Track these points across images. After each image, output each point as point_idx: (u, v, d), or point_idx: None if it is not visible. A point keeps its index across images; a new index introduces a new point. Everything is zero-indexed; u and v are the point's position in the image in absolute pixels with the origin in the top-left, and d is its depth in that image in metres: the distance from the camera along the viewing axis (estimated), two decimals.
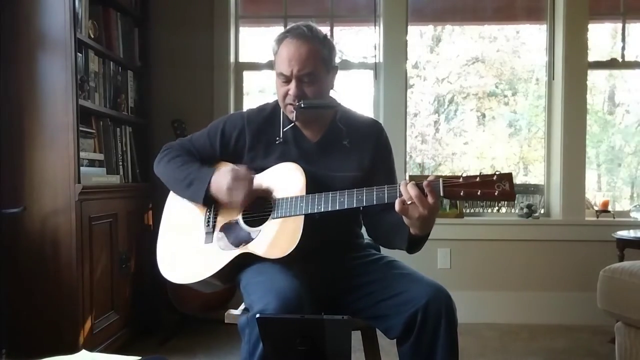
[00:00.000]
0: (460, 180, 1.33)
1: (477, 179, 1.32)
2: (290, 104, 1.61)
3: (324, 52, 1.63)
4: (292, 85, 1.58)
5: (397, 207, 1.34)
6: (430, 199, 1.31)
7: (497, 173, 1.32)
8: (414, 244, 1.47)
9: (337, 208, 1.46)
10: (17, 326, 2.24)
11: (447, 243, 3.35)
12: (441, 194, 1.33)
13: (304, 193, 1.52)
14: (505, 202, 3.55)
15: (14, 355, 2.16)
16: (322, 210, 1.47)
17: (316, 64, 1.60)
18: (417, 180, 1.35)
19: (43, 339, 2.26)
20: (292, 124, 1.68)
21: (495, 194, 1.30)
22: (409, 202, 1.33)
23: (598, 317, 2.56)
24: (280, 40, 1.62)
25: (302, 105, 1.58)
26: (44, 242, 2.27)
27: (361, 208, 1.69)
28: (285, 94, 1.61)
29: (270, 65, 3.48)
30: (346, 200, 1.45)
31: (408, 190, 1.32)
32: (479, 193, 1.31)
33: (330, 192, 1.47)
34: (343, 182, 1.56)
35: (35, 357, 1.62)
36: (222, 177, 1.57)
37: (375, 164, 1.66)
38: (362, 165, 1.64)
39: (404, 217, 1.36)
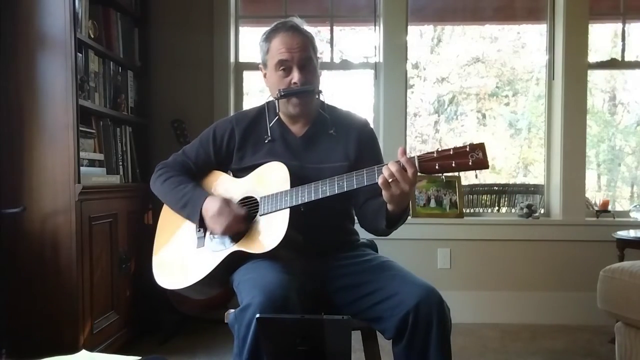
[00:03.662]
0: (435, 154, 1.37)
1: (451, 152, 1.35)
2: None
3: (313, 42, 1.69)
4: (296, 72, 1.63)
5: (380, 181, 1.38)
6: (409, 172, 1.35)
7: (469, 144, 1.35)
8: (394, 222, 1.51)
9: (320, 197, 1.48)
10: (17, 326, 2.24)
11: (447, 243, 3.35)
12: (417, 169, 1.37)
13: (288, 189, 1.54)
14: (505, 202, 3.57)
15: (14, 355, 2.16)
16: (306, 200, 1.50)
17: (311, 51, 1.67)
18: None
19: (43, 339, 2.25)
20: (277, 117, 1.72)
21: (470, 163, 1.33)
22: (390, 180, 1.36)
23: (598, 317, 2.56)
24: (270, 36, 1.68)
25: (282, 93, 1.63)
26: (44, 242, 2.27)
27: (352, 202, 1.71)
28: (288, 85, 1.64)
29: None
30: (328, 188, 1.48)
31: (389, 167, 1.37)
32: (453, 164, 1.35)
33: (313, 183, 1.51)
34: (330, 173, 1.57)
35: (35, 357, 1.62)
36: (212, 205, 1.59)
37: (362, 154, 1.68)
38: (347, 154, 1.67)
39: (384, 192, 1.39)
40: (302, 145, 1.70)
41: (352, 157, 1.67)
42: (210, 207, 1.59)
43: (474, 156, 1.33)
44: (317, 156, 1.67)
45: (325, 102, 1.76)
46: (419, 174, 1.37)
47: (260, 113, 1.76)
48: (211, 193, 1.70)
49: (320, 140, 1.70)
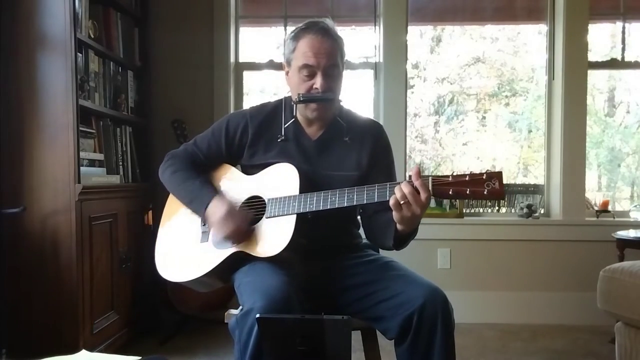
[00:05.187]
0: (450, 179, 1.33)
1: (467, 178, 1.32)
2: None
3: (342, 46, 1.64)
4: (319, 79, 1.57)
5: (391, 202, 1.35)
6: (422, 196, 1.32)
7: (487, 172, 1.31)
8: (402, 241, 1.49)
9: (329, 207, 1.46)
10: (17, 326, 2.24)
11: (447, 243, 3.36)
12: (430, 193, 1.33)
13: (297, 193, 1.52)
14: (505, 202, 3.56)
15: (14, 355, 2.16)
16: (314, 209, 1.47)
17: (338, 58, 1.61)
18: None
19: (43, 339, 2.26)
20: (293, 119, 1.69)
21: (485, 192, 1.30)
22: (402, 202, 1.34)
23: (598, 317, 2.56)
24: (299, 35, 1.61)
25: (301, 98, 1.59)
26: (44, 242, 2.27)
27: (359, 210, 1.70)
28: (309, 89, 1.59)
29: (270, 65, 3.48)
30: (337, 199, 1.45)
31: (402, 188, 1.34)
32: (468, 192, 1.31)
33: (322, 192, 1.48)
34: (341, 181, 1.56)
35: (35, 357, 1.62)
36: (218, 208, 1.57)
37: (374, 164, 1.66)
38: (360, 163, 1.64)
39: (395, 213, 1.37)
40: (315, 149, 1.66)
41: (364, 167, 1.64)
42: (216, 211, 1.56)
43: (490, 185, 1.29)
44: (329, 163, 1.64)
45: (344, 108, 1.72)
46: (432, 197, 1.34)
47: (276, 109, 1.72)
48: (218, 188, 1.69)
49: (334, 146, 1.67)
